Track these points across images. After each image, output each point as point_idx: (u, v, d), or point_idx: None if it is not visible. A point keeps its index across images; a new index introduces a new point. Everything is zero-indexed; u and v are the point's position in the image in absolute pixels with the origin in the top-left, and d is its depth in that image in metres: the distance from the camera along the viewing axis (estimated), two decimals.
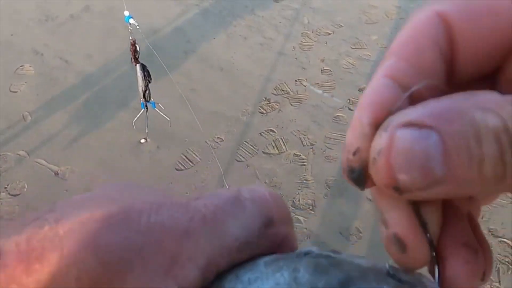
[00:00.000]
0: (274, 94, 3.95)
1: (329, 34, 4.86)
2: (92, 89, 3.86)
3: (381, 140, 0.19)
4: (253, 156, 3.32)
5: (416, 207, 0.21)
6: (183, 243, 0.20)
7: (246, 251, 0.22)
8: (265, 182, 3.10)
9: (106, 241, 0.19)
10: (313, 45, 4.67)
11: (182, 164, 3.24)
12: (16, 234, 0.19)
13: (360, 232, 2.80)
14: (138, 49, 2.18)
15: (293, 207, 2.94)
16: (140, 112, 2.44)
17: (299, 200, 2.98)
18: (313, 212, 2.91)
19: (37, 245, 0.19)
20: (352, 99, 3.91)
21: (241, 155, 3.33)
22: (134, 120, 2.57)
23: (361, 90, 4.02)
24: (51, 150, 3.27)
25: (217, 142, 3.43)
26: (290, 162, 3.28)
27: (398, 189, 0.18)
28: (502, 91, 0.17)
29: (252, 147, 3.39)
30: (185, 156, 3.30)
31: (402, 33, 0.22)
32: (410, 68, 0.20)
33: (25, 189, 2.96)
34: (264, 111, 3.75)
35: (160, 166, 3.22)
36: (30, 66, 4.06)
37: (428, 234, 0.21)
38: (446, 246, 0.21)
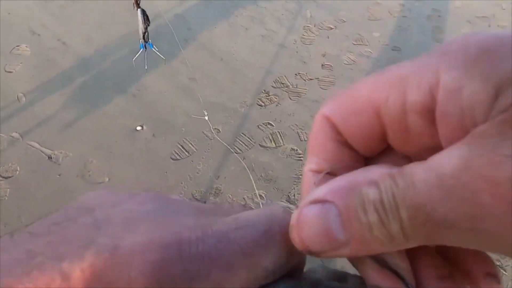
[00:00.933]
0: (273, 87, 3.92)
1: (331, 28, 4.82)
2: (90, 72, 3.80)
3: (293, 216, 0.24)
4: (249, 148, 3.30)
5: (379, 259, 0.24)
6: (226, 274, 0.22)
7: (270, 278, 0.24)
8: (261, 176, 3.09)
9: (168, 271, 0.21)
10: (314, 39, 4.62)
11: (177, 154, 3.20)
12: (74, 256, 0.21)
13: None
14: None
15: (288, 202, 2.93)
16: (139, 52, 2.75)
17: (294, 195, 2.97)
18: None
19: (101, 273, 0.20)
20: None
21: (237, 147, 3.30)
22: (134, 58, 2.85)
23: None
24: (45, 133, 3.22)
25: (214, 133, 3.40)
26: (286, 157, 3.26)
27: (312, 253, 0.23)
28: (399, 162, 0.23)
29: (249, 140, 3.37)
30: (181, 145, 3.27)
31: (310, 139, 0.28)
32: (320, 159, 0.27)
33: (17, 172, 2.92)
34: (263, 104, 3.72)
35: (156, 154, 3.19)
36: (26, 47, 3.98)
37: (404, 279, 0.23)
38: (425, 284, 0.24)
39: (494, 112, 0.19)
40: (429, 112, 0.22)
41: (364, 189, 0.21)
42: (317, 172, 0.26)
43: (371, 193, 0.20)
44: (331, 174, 0.26)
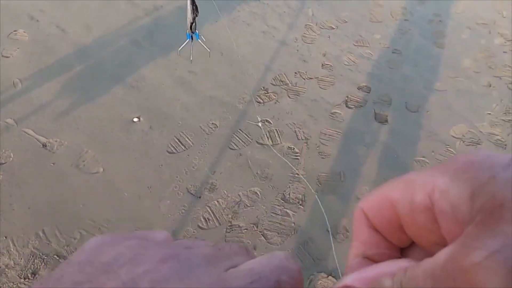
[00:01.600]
0: (272, 84, 3.90)
1: (333, 28, 4.81)
2: (88, 61, 3.75)
3: None
4: (246, 145, 3.28)
5: None
6: None
7: None
8: (257, 173, 3.08)
9: None
10: (315, 38, 4.61)
11: (174, 147, 3.18)
12: None
13: (348, 231, 2.80)
14: None
15: (283, 200, 2.93)
16: (185, 42, 2.73)
17: (289, 194, 2.97)
18: (302, 207, 2.90)
19: None
20: (351, 96, 3.88)
21: (234, 143, 3.29)
22: (179, 49, 2.83)
23: (360, 88, 4.00)
24: (41, 120, 3.18)
25: (211, 128, 3.38)
26: (283, 155, 3.25)
27: None
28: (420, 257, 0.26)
29: (246, 136, 3.35)
30: (178, 139, 3.25)
31: (353, 224, 0.33)
32: (360, 244, 0.32)
33: (11, 159, 2.88)
34: (261, 101, 3.71)
35: (152, 146, 3.16)
36: (24, 32, 3.92)
37: None
38: None
39: (473, 211, 0.23)
40: (431, 211, 0.26)
41: (383, 279, 0.26)
42: (357, 256, 0.32)
43: (386, 283, 0.26)
44: (371, 259, 0.31)
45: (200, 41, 2.71)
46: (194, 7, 2.49)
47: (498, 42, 4.99)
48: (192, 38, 2.65)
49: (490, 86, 4.30)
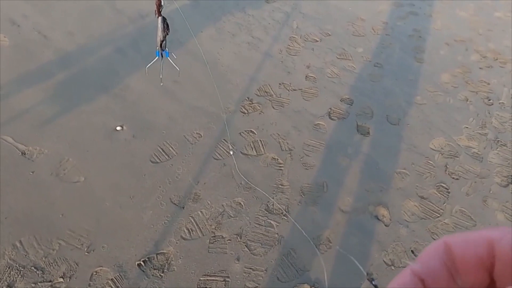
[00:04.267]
0: (257, 95, 3.93)
1: (317, 41, 4.89)
2: (71, 68, 3.70)
3: None
4: (230, 155, 3.28)
5: None
6: None
7: None
8: (241, 183, 3.08)
9: None
10: (300, 50, 4.68)
11: (157, 156, 3.16)
12: None
13: (330, 242, 2.82)
14: (163, 3, 2.41)
15: (266, 211, 2.93)
16: (154, 59, 2.63)
17: (273, 205, 2.97)
18: (285, 218, 2.91)
19: None
20: (334, 108, 3.94)
21: (218, 153, 3.28)
22: (147, 66, 2.72)
23: (342, 100, 4.06)
24: (20, 127, 3.11)
25: (195, 138, 3.37)
26: (267, 165, 3.26)
27: None
28: None
29: (230, 146, 3.36)
30: (162, 148, 3.22)
31: (425, 251, 0.35)
32: (423, 268, 0.33)
33: None
34: (246, 111, 3.72)
35: (135, 156, 3.13)
36: (5, 37, 3.85)
37: None
38: None
39: None
40: None
41: None
42: (414, 272, 0.34)
43: None
44: (425, 282, 0.33)
45: (170, 59, 2.65)
46: (165, 25, 2.45)
47: (474, 59, 5.17)
48: (162, 56, 2.60)
49: (467, 100, 4.44)
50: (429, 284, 0.32)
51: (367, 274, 2.68)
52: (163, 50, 2.56)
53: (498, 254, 0.30)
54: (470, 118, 4.21)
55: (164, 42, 2.52)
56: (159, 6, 2.40)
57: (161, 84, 3.41)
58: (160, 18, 2.44)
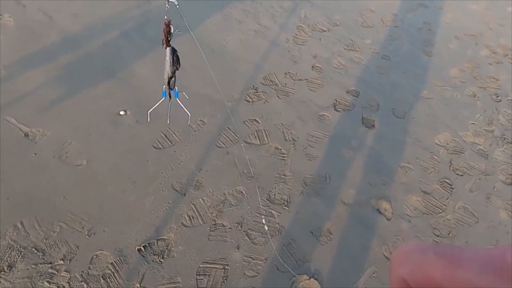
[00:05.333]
0: (262, 83, 3.89)
1: (324, 31, 4.82)
2: (75, 51, 3.67)
3: None
4: (234, 144, 3.26)
5: None
6: None
7: None
8: (243, 172, 3.06)
9: None
10: (307, 39, 4.62)
11: (160, 143, 3.14)
12: None
13: (331, 234, 2.81)
14: (172, 30, 1.94)
15: (268, 200, 2.92)
16: (160, 101, 2.17)
17: (275, 195, 2.96)
18: (287, 208, 2.90)
19: None
20: (339, 100, 3.90)
21: (221, 141, 3.26)
22: (149, 111, 2.29)
23: (348, 92, 4.02)
24: (24, 109, 3.09)
25: (199, 125, 3.35)
26: (270, 155, 3.24)
27: None
28: None
29: (233, 135, 3.33)
30: (165, 134, 3.20)
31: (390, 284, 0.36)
32: None
33: None
34: (250, 100, 3.69)
35: (138, 141, 3.11)
36: (10, 17, 3.81)
37: None
38: None
39: None
40: None
41: None
42: None
43: None
44: None
45: (178, 100, 2.14)
46: (175, 57, 2.00)
47: (484, 54, 5.09)
48: (170, 96, 2.14)
49: (474, 96, 4.38)
50: None
51: None
52: (171, 89, 2.13)
53: None
54: (477, 114, 4.16)
55: (173, 79, 2.08)
56: (168, 33, 1.95)
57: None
58: (168, 49, 1.98)
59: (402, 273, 0.34)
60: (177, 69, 2.05)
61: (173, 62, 2.02)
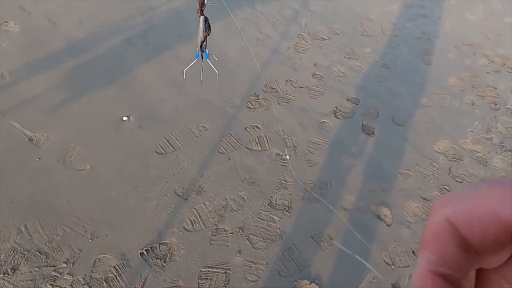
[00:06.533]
0: (263, 91, 3.94)
1: (325, 39, 4.89)
2: (79, 57, 3.72)
3: None
4: (235, 149, 3.30)
5: None
6: None
7: None
8: (244, 178, 3.09)
9: None
10: (307, 48, 4.68)
11: (162, 148, 3.17)
12: None
13: (332, 239, 2.83)
14: (206, 2, 2.31)
15: (269, 206, 2.94)
16: (193, 61, 2.49)
17: (276, 200, 2.99)
18: (288, 214, 2.93)
19: None
20: (339, 107, 3.95)
21: (223, 147, 3.30)
22: (185, 69, 2.57)
23: (348, 99, 4.07)
24: (28, 114, 3.13)
25: (201, 131, 3.38)
26: (271, 161, 3.28)
27: None
28: None
29: (235, 141, 3.37)
30: (167, 140, 3.24)
31: (426, 232, 0.30)
32: (440, 260, 0.29)
33: None
34: (252, 107, 3.73)
35: (140, 146, 3.15)
36: (15, 24, 3.87)
37: None
38: None
39: None
40: None
41: None
42: (436, 274, 0.29)
43: None
44: (445, 277, 0.29)
45: (209, 61, 2.51)
46: (207, 25, 2.33)
47: (482, 63, 5.15)
48: (202, 57, 2.47)
49: (473, 104, 4.43)
50: (453, 278, 0.28)
51: (393, 285, 2.68)
52: (203, 52, 2.45)
53: None
54: (476, 122, 4.21)
55: (204, 43, 2.40)
56: (202, 4, 2.30)
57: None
58: (202, 17, 2.31)
59: (447, 213, 0.28)
60: (209, 34, 2.39)
61: (205, 28, 2.35)
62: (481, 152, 3.85)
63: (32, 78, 3.42)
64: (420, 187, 3.37)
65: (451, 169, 3.61)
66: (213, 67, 2.57)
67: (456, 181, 3.51)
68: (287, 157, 3.11)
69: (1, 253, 2.35)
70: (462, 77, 4.82)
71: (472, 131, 4.08)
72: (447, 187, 3.43)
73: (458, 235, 0.28)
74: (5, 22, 3.83)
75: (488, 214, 0.26)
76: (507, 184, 0.27)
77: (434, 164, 3.62)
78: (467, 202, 0.28)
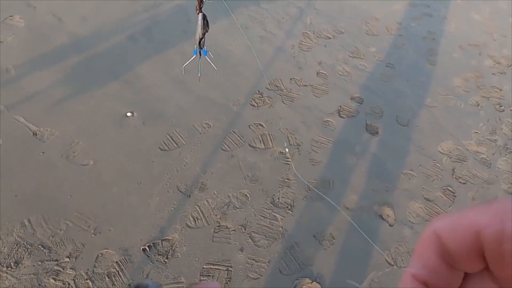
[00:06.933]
0: (267, 88, 3.93)
1: (329, 38, 4.87)
2: (83, 53, 3.72)
3: None
4: (238, 147, 3.30)
5: None
6: None
7: None
8: (247, 176, 3.09)
9: None
10: (312, 46, 4.67)
11: (166, 144, 3.18)
12: None
13: (334, 239, 2.83)
14: (204, 0, 2.35)
15: (272, 204, 2.94)
16: (192, 58, 2.56)
17: (278, 198, 2.99)
18: (290, 212, 2.92)
19: None
20: (343, 106, 3.94)
21: (226, 145, 3.30)
22: (184, 65, 2.65)
23: (353, 98, 4.06)
24: (32, 108, 3.14)
25: (204, 128, 3.38)
26: (274, 159, 3.27)
27: None
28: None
29: (239, 138, 3.37)
30: (171, 136, 3.24)
31: (418, 245, 0.33)
32: (422, 268, 0.32)
33: None
34: (256, 104, 3.73)
35: (144, 142, 3.15)
36: (20, 18, 3.87)
37: None
38: None
39: None
40: None
41: None
42: (415, 278, 0.32)
43: None
44: (428, 284, 0.32)
45: (207, 58, 2.58)
46: (205, 22, 2.37)
47: (487, 64, 5.13)
48: (200, 54, 2.53)
49: (478, 105, 4.41)
50: (434, 285, 0.31)
51: None
52: (201, 48, 2.50)
53: (485, 244, 0.28)
54: (480, 123, 4.19)
55: (203, 39, 2.44)
56: (201, 2, 2.33)
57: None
58: (200, 14, 2.35)
59: (437, 227, 0.31)
60: (207, 31, 2.41)
61: (203, 25, 2.37)
62: (485, 154, 3.84)
63: (37, 73, 3.42)
64: (423, 188, 3.36)
65: (455, 170, 3.59)
66: (211, 63, 2.60)
67: (460, 182, 3.50)
68: (287, 150, 3.13)
69: (5, 247, 2.36)
70: (467, 77, 4.80)
71: (476, 132, 4.06)
72: (450, 188, 3.42)
73: (441, 245, 0.31)
74: (10, 16, 3.84)
75: (467, 223, 0.29)
76: (497, 201, 0.29)
77: (438, 164, 3.61)
78: (455, 217, 0.30)
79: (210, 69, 2.64)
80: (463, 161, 3.71)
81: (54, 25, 3.95)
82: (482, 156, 3.81)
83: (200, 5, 2.32)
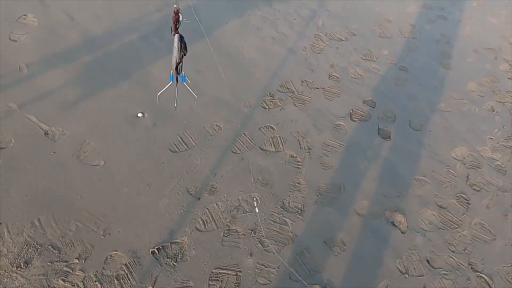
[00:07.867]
0: (279, 90, 3.90)
1: (342, 40, 4.82)
2: (96, 52, 3.72)
3: None
4: (249, 150, 3.27)
5: None
6: None
7: None
8: (258, 179, 3.06)
9: None
10: (324, 48, 4.62)
11: (176, 146, 3.16)
12: None
13: (344, 245, 2.79)
14: (180, 19, 2.08)
15: (282, 208, 2.91)
16: (168, 85, 2.32)
17: (289, 203, 2.95)
18: (301, 217, 2.89)
19: None
20: (355, 110, 3.89)
21: (237, 147, 3.27)
22: (159, 93, 2.42)
23: (365, 102, 4.00)
24: (44, 108, 3.14)
25: (215, 130, 3.36)
26: (285, 162, 3.24)
27: None
28: None
29: (249, 141, 3.34)
30: (181, 138, 3.22)
31: None
32: None
33: (11, 144, 2.84)
34: (267, 107, 3.70)
35: (154, 143, 3.13)
36: (34, 17, 3.88)
37: None
38: None
39: None
40: None
41: None
42: None
43: None
44: None
45: (185, 84, 2.31)
46: (182, 44, 2.11)
47: (503, 68, 5.03)
48: (177, 81, 2.27)
49: (493, 111, 4.33)
50: None
51: None
52: (178, 74, 2.24)
53: None
54: (495, 129, 4.10)
55: (180, 64, 2.19)
56: (176, 21, 2.08)
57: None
58: (177, 36, 2.10)
59: None
60: (185, 54, 2.15)
61: (180, 48, 2.12)
62: (500, 160, 3.76)
63: (49, 72, 3.43)
64: (436, 194, 3.30)
65: (469, 177, 3.52)
66: (190, 90, 2.34)
67: (474, 189, 3.43)
68: (257, 210, 2.88)
69: (15, 246, 2.36)
70: (482, 82, 4.71)
71: (491, 138, 3.98)
72: (464, 195, 3.35)
73: None
74: (24, 15, 3.85)
75: None
76: None
77: (451, 171, 3.54)
78: None
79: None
80: (478, 168, 3.63)
81: (67, 24, 3.95)
82: (497, 163, 3.73)
83: (176, 25, 2.08)
